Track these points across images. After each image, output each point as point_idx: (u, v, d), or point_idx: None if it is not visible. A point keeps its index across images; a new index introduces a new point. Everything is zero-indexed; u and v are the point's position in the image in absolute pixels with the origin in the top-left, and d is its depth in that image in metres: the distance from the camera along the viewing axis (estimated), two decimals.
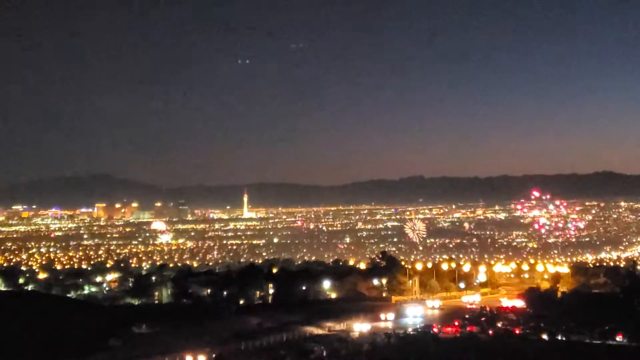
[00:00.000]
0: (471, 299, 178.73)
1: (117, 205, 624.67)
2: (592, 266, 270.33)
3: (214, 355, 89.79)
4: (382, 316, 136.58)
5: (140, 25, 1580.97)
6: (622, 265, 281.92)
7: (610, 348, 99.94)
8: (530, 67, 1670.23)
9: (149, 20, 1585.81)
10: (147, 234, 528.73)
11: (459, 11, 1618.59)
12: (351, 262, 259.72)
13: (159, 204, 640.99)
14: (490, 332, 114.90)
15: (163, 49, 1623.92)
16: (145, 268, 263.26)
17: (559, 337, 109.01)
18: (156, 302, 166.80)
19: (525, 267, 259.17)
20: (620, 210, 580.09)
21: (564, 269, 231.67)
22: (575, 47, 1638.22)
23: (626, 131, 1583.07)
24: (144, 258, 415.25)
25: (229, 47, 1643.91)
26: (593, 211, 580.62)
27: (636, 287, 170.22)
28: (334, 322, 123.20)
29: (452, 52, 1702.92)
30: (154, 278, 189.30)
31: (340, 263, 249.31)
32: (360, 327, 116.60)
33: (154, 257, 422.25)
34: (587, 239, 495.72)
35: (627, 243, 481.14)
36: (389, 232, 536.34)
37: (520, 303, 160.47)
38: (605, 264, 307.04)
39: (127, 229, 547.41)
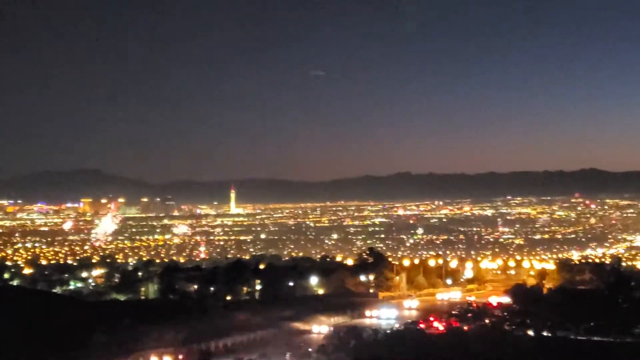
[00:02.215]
0: (447, 296, 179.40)
1: (103, 201, 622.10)
2: (577, 263, 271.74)
3: (200, 351, 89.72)
4: (368, 312, 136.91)
5: (130, 22, 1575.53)
6: (607, 262, 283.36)
7: (595, 344, 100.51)
8: (517, 65, 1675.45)
9: (137, 18, 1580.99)
10: (134, 229, 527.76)
11: (444, 9, 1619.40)
12: (339, 258, 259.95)
13: (145, 200, 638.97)
14: (477, 327, 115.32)
15: (152, 45, 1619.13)
16: (131, 263, 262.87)
17: (545, 333, 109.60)
18: (142, 297, 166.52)
19: (511, 263, 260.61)
20: (606, 207, 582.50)
21: (550, 266, 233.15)
22: (559, 46, 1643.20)
23: (612, 129, 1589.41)
24: (130, 253, 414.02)
25: (218, 44, 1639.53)
26: (579, 208, 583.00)
27: (621, 283, 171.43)
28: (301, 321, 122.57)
29: (439, 50, 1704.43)
30: (140, 274, 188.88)
31: (328, 259, 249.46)
32: (319, 328, 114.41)
33: (140, 253, 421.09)
34: (572, 236, 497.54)
35: (612, 240, 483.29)
36: (377, 229, 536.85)
37: (506, 299, 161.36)
38: (590, 260, 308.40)
39: (113, 224, 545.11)
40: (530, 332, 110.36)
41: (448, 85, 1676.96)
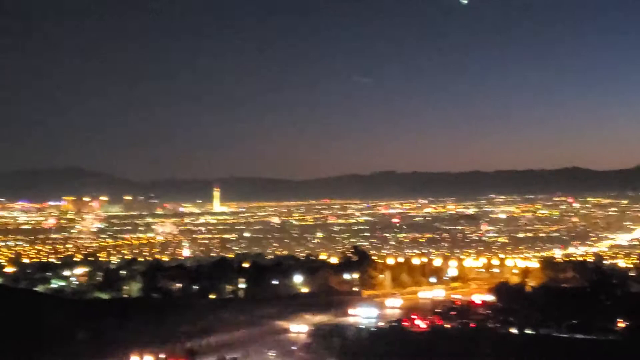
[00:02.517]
0: (430, 295, 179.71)
1: (86, 199, 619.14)
2: (560, 261, 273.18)
3: (184, 349, 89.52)
4: (350, 311, 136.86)
5: (110, 20, 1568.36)
6: (590, 261, 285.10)
7: (578, 342, 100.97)
8: (500, 64, 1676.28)
9: (122, 17, 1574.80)
10: (117, 228, 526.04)
11: (428, 9, 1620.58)
12: (323, 257, 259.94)
13: (128, 198, 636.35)
14: (461, 326, 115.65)
15: (136, 43, 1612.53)
16: (114, 262, 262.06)
17: (528, 331, 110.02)
18: (125, 296, 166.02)
19: (495, 261, 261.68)
20: (588, 205, 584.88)
21: (533, 264, 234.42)
22: (540, 45, 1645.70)
23: (594, 127, 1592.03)
24: (113, 252, 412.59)
25: (202, 44, 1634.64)
26: (562, 206, 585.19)
27: (604, 282, 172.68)
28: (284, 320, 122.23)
29: (422, 49, 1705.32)
30: (123, 272, 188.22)
31: (312, 258, 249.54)
32: (297, 327, 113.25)
33: (123, 251, 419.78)
34: (555, 234, 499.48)
35: (595, 238, 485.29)
36: (361, 227, 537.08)
37: (490, 297, 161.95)
38: (573, 259, 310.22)
39: (96, 223, 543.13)
40: (514, 330, 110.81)
41: (432, 84, 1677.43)
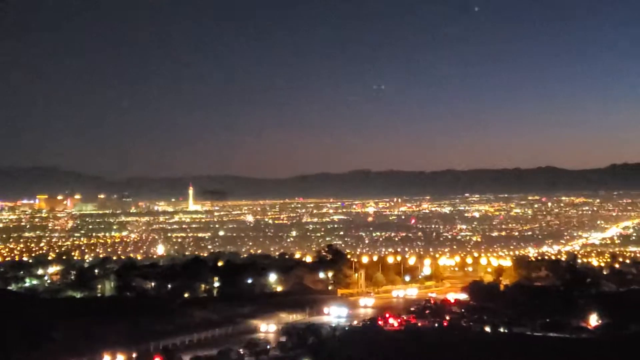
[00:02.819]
0: (403, 293, 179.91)
1: (60, 197, 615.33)
2: (534, 259, 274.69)
3: (158, 348, 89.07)
4: (326, 310, 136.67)
5: (91, 20, 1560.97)
6: (563, 259, 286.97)
7: (551, 340, 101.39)
8: (475, 65, 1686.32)
9: (96, 17, 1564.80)
10: (90, 226, 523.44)
11: (404, 9, 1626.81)
12: (297, 256, 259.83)
13: (102, 196, 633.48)
14: (435, 324, 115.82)
15: (110, 44, 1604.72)
16: (87, 261, 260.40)
17: (502, 329, 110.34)
18: (99, 295, 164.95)
19: (469, 260, 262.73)
20: (562, 204, 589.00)
21: (507, 262, 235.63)
22: (518, 46, 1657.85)
23: (568, 128, 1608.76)
24: (86, 250, 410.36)
25: (177, 43, 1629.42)
26: (535, 205, 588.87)
27: (577, 280, 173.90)
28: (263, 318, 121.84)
29: (398, 49, 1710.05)
30: (96, 271, 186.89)
31: (286, 256, 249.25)
32: (267, 327, 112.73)
33: (97, 250, 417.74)
34: (529, 233, 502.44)
35: (568, 237, 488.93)
36: (336, 226, 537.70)
37: (463, 296, 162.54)
38: (547, 257, 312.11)
39: (70, 221, 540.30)
40: (487, 329, 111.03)
41: (406, 84, 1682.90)
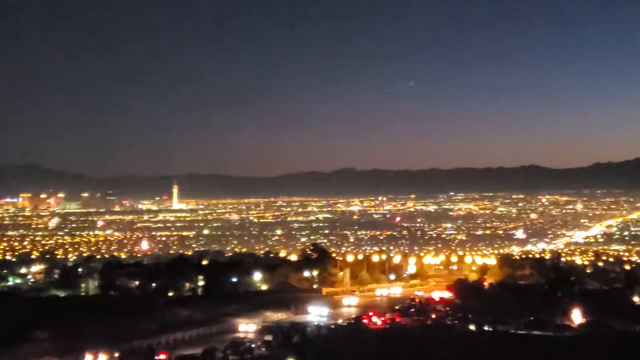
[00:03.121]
0: (387, 292, 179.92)
1: (43, 196, 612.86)
2: (518, 258, 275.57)
3: (142, 347, 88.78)
4: (310, 308, 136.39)
5: (72, 19, 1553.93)
6: (547, 258, 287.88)
7: (535, 338, 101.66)
8: (459, 63, 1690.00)
9: (77, 17, 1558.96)
10: (75, 225, 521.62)
11: (388, 9, 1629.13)
12: (282, 254, 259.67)
13: (86, 195, 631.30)
14: (420, 323, 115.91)
15: (93, 42, 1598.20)
16: (71, 259, 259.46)
17: (486, 328, 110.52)
18: (83, 294, 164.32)
19: (453, 258, 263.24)
20: (545, 203, 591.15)
21: (491, 261, 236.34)
22: (501, 44, 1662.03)
23: (552, 126, 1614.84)
24: (70, 249, 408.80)
25: (160, 43, 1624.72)
26: (519, 204, 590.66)
27: (561, 278, 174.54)
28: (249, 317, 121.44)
29: (381, 47, 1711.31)
30: (80, 270, 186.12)
31: (271, 255, 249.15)
32: (246, 327, 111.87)
33: (81, 249, 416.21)
34: (513, 232, 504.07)
35: (552, 236, 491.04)
36: (321, 224, 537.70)
37: (448, 294, 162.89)
38: (531, 256, 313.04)
39: (53, 220, 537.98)
40: (472, 327, 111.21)
41: (391, 83, 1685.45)
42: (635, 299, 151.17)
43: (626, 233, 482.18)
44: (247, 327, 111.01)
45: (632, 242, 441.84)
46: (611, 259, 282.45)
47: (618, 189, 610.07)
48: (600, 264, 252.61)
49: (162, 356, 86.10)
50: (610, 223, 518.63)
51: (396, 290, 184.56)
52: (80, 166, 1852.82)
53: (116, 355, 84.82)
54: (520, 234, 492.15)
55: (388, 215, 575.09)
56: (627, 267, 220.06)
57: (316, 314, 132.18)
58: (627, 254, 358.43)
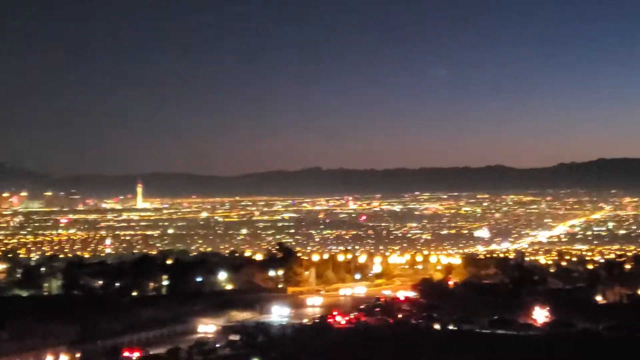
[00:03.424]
0: (350, 292, 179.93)
1: (5, 194, 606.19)
2: (483, 258, 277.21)
3: (106, 347, 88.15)
4: (273, 309, 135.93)
5: (36, 17, 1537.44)
6: (511, 257, 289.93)
7: (499, 337, 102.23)
8: (424, 62, 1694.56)
9: (43, 15, 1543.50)
10: (38, 224, 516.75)
11: (349, 10, 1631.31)
12: (247, 253, 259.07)
13: (49, 193, 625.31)
14: (385, 322, 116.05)
15: (55, 39, 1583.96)
16: (34, 259, 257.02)
17: (451, 327, 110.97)
18: (45, 293, 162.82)
19: (419, 258, 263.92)
20: (510, 203, 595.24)
21: (456, 260, 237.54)
22: (465, 43, 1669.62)
23: (517, 127, 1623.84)
24: (33, 248, 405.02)
25: (124, 39, 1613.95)
26: (484, 204, 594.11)
27: (525, 278, 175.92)
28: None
29: (347, 46, 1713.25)
30: (43, 269, 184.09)
31: (237, 254, 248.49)
32: (205, 328, 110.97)
33: (44, 248, 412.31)
34: (477, 231, 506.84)
35: (516, 235, 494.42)
36: (286, 224, 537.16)
37: (413, 293, 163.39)
38: (495, 255, 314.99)
39: (16, 219, 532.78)
40: (437, 326, 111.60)
41: (357, 82, 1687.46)
42: (598, 298, 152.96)
43: (589, 233, 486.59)
44: (206, 328, 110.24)
45: (595, 242, 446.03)
46: (574, 259, 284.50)
47: (581, 189, 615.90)
48: (564, 263, 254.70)
49: (136, 354, 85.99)
50: (574, 223, 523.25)
51: (360, 289, 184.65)
52: (43, 165, 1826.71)
53: (77, 355, 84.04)
54: (484, 233, 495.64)
55: (354, 215, 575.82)
56: (590, 266, 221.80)
57: (277, 314, 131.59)
58: (590, 253, 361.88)
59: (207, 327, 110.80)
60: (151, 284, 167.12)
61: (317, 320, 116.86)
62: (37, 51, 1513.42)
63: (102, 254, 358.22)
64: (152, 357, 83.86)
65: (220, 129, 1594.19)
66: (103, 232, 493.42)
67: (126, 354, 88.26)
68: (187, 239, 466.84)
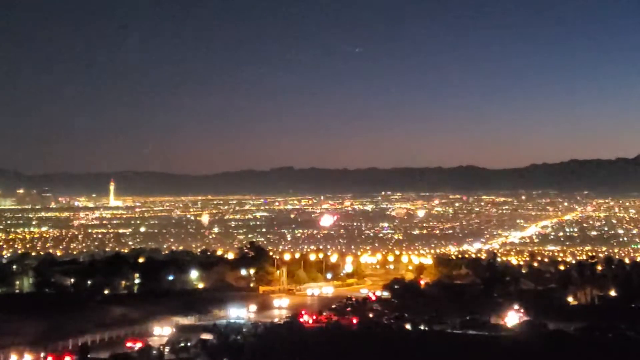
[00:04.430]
0: (318, 292, 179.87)
1: None
2: (454, 258, 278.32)
3: (78, 345, 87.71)
4: (246, 307, 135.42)
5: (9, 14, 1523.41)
6: (483, 258, 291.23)
7: (470, 337, 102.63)
8: (397, 63, 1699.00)
9: (15, 14, 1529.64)
10: (9, 222, 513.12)
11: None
12: (219, 252, 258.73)
13: (21, 191, 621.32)
14: (356, 322, 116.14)
15: (30, 36, 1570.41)
16: (6, 257, 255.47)
17: (422, 327, 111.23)
18: (17, 291, 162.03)
19: (390, 258, 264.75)
20: (482, 203, 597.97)
21: (428, 260, 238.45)
22: (439, 42, 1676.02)
23: (489, 127, 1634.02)
24: (4, 246, 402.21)
25: (98, 37, 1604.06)
26: (456, 204, 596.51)
27: (496, 278, 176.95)
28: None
29: (322, 46, 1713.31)
30: (15, 267, 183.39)
31: (208, 253, 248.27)
32: (160, 330, 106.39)
33: (16, 246, 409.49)
34: (450, 232, 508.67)
35: (488, 236, 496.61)
36: (258, 223, 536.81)
37: (385, 293, 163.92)
38: (467, 255, 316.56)
39: None
40: (408, 326, 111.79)
41: (330, 81, 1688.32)
42: (570, 299, 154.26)
43: (561, 234, 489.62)
44: (177, 327, 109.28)
45: (567, 243, 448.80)
46: (546, 260, 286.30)
47: (553, 190, 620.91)
48: (535, 264, 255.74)
49: (139, 344, 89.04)
50: (546, 224, 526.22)
51: (328, 289, 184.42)
52: (15, 163, 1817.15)
53: (42, 355, 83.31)
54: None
55: (325, 214, 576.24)
56: (562, 267, 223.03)
57: (234, 315, 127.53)
58: (561, 254, 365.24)
59: (178, 326, 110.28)
60: (123, 283, 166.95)
61: (288, 320, 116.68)
62: (4, 47, 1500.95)
63: (74, 252, 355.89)
64: (123, 355, 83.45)
65: (193, 128, 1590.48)
66: (75, 230, 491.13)
67: (129, 344, 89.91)
68: (159, 237, 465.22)
